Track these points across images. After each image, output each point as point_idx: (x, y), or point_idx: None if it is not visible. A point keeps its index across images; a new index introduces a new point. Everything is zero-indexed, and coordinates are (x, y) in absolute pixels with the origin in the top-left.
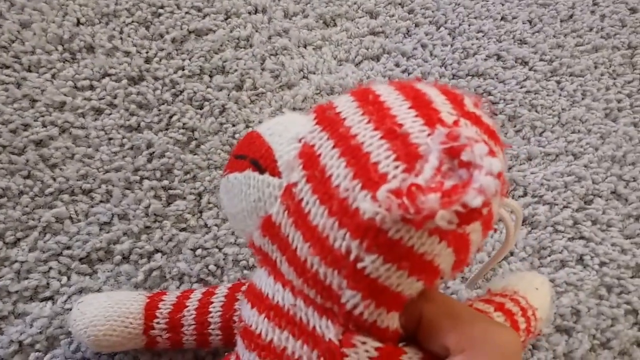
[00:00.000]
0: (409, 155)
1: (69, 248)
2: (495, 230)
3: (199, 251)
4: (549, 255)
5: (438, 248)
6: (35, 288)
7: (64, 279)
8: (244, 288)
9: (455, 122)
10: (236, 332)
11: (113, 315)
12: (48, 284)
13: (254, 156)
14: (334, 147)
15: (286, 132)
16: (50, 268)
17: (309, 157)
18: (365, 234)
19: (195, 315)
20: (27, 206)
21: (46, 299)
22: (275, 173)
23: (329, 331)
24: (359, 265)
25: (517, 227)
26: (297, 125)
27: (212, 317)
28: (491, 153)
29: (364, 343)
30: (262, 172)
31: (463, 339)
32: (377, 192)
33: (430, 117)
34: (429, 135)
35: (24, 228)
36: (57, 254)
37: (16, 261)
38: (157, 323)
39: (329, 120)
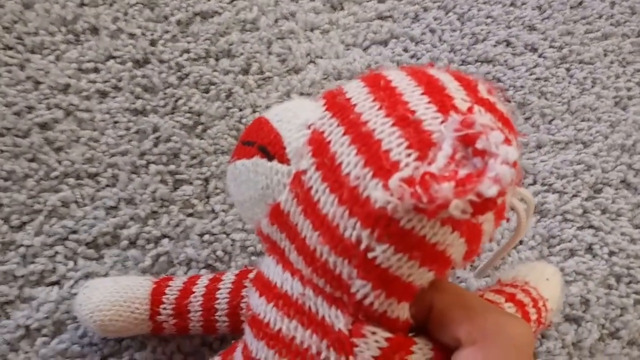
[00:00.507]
0: (422, 143)
1: (75, 232)
2: (508, 220)
3: (206, 237)
4: (558, 244)
5: (450, 238)
6: (41, 272)
7: (71, 263)
8: (251, 275)
9: (470, 109)
10: (244, 320)
11: (119, 300)
12: (54, 268)
13: (262, 142)
14: (344, 134)
15: (295, 118)
16: (57, 252)
17: (318, 144)
18: (376, 223)
19: (202, 302)
20: (32, 190)
21: (53, 284)
22: (284, 160)
23: (339, 321)
24: (370, 254)
25: (529, 217)
26: (306, 111)
27: (219, 304)
28: (507, 141)
29: (374, 333)
30: (270, 158)
31: (475, 331)
32: (389, 181)
33: (443, 103)
34: (442, 122)
35: (29, 212)
36: (63, 238)
37: (22, 245)
38: (164, 309)
39: (339, 106)
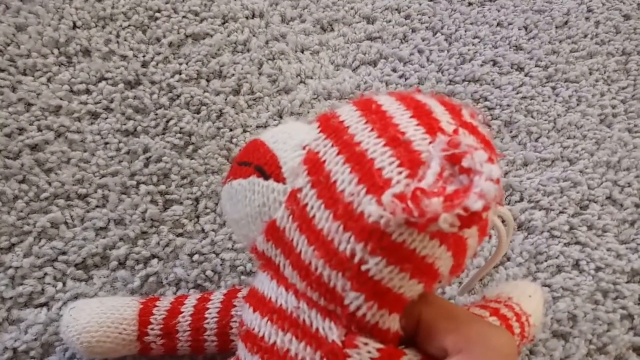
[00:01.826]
0: (412, 162)
1: (64, 253)
2: (490, 237)
3: (196, 257)
4: (546, 261)
5: (439, 251)
6: (30, 294)
7: (60, 284)
8: (240, 294)
9: (455, 131)
10: (236, 336)
11: (106, 322)
12: (43, 290)
13: (259, 163)
14: (338, 153)
15: (290, 139)
16: (46, 274)
17: (313, 164)
18: (369, 237)
19: (190, 322)
20: (22, 211)
21: (41, 305)
22: (280, 179)
23: (332, 332)
24: (363, 267)
25: (509, 234)
26: (301, 133)
27: (207, 324)
28: (490, 160)
29: (366, 344)
30: (266, 178)
31: (460, 340)
32: (382, 196)
33: (431, 125)
34: (430, 142)
35: (18, 233)
36: (52, 259)
37: (11, 267)
38: (152, 329)
39: (333, 128)
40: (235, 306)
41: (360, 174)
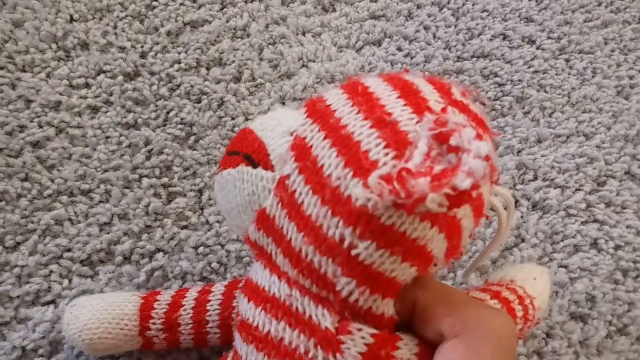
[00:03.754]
0: (399, 142)
1: (69, 250)
2: (488, 218)
3: (201, 249)
4: (562, 241)
5: (430, 233)
6: (36, 292)
7: (65, 282)
8: (241, 284)
9: (443, 110)
10: (234, 327)
11: (107, 318)
12: (49, 287)
13: (247, 151)
14: (325, 137)
15: (278, 126)
16: (51, 271)
17: (301, 149)
18: (358, 221)
19: (192, 314)
20: (25, 209)
21: (48, 303)
22: (268, 167)
23: (325, 319)
24: (353, 252)
25: (510, 215)
26: (289, 119)
27: (210, 316)
28: (479, 137)
29: (359, 330)
30: (255, 166)
31: (457, 324)
32: (368, 179)
33: (418, 105)
34: (417, 122)
35: (23, 232)
36: (57, 256)
37: (16, 265)
38: (153, 324)
39: (319, 112)
40: (236, 297)
41: (347, 157)
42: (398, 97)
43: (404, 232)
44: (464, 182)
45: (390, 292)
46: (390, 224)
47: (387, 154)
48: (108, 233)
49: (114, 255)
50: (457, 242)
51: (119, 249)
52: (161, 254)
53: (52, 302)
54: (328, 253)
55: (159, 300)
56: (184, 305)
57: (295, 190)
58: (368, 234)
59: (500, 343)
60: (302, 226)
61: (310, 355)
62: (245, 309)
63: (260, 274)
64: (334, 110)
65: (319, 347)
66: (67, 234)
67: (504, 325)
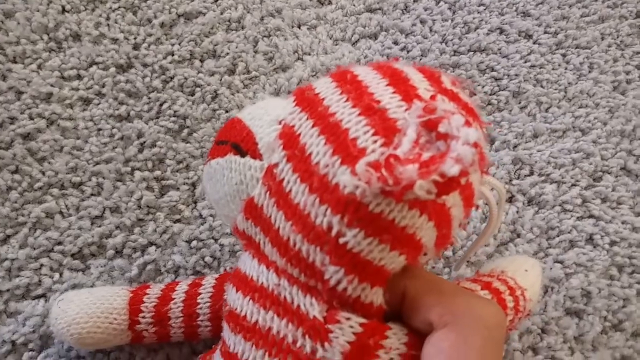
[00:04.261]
0: (387, 130)
1: (60, 244)
2: (477, 208)
3: (194, 243)
4: (558, 236)
5: (419, 222)
6: (27, 286)
7: (56, 275)
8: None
9: (432, 97)
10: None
11: (96, 312)
12: (40, 281)
13: (235, 140)
14: (313, 125)
15: (266, 115)
16: (42, 265)
17: (289, 138)
18: (346, 209)
19: (182, 308)
20: (16, 202)
21: (38, 297)
22: (257, 155)
23: (313, 308)
24: (341, 240)
25: (501, 205)
26: (277, 108)
27: (200, 309)
28: (467, 124)
29: (348, 319)
30: (243, 155)
31: (446, 313)
32: (356, 166)
33: (407, 93)
34: (406, 110)
35: (13, 224)
36: (48, 250)
37: (6, 259)
38: (143, 317)
39: (307, 100)
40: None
41: (335, 144)
42: (387, 85)
43: (392, 220)
44: (452, 169)
45: (379, 281)
46: (378, 211)
47: (375, 142)
48: (100, 226)
49: (106, 249)
50: (447, 231)
51: (111, 242)
52: (154, 247)
53: (43, 295)
54: (316, 241)
55: (148, 294)
56: (174, 298)
57: (283, 179)
58: (356, 222)
59: (490, 332)
60: (290, 215)
61: (298, 344)
62: (234, 298)
63: (248, 264)
64: (323, 99)
65: (307, 337)
66: (58, 227)
67: (494, 315)
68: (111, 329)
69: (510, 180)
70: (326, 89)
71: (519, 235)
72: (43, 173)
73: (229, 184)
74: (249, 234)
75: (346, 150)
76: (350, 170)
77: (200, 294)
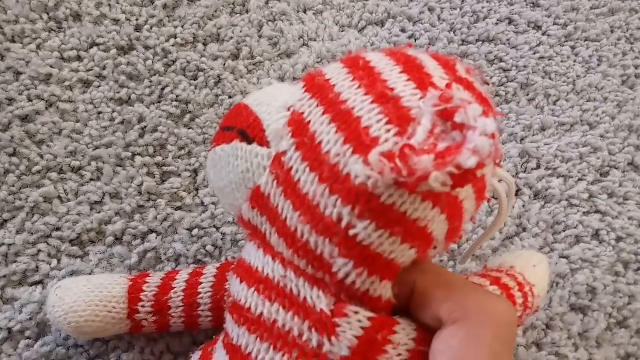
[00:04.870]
0: (401, 119)
1: (58, 229)
2: (489, 201)
3: (195, 231)
4: (564, 231)
5: (431, 214)
6: (24, 272)
7: (54, 262)
8: (233, 266)
9: (448, 86)
10: (225, 309)
11: (95, 300)
12: (37, 267)
13: (242, 127)
14: (324, 113)
15: (274, 101)
16: (40, 251)
17: (298, 125)
18: (357, 200)
19: (183, 297)
20: (13, 186)
21: (36, 284)
22: (264, 143)
23: (321, 301)
24: (351, 232)
25: (510, 199)
26: (286, 94)
27: (201, 298)
28: (485, 114)
29: (356, 313)
30: (250, 142)
31: (456, 310)
32: (369, 156)
33: (422, 81)
34: (421, 98)
35: (10, 209)
36: (46, 235)
37: (3, 244)
38: (142, 307)
39: (318, 87)
40: (228, 279)
41: (347, 133)
42: (401, 72)
43: (404, 212)
44: (469, 161)
45: (388, 275)
46: (390, 203)
47: (388, 131)
48: (99, 212)
49: (105, 236)
50: (458, 224)
51: (111, 229)
52: (154, 235)
53: (40, 282)
54: (325, 233)
55: (148, 283)
56: (174, 287)
57: (291, 168)
58: (367, 214)
59: (501, 330)
60: (299, 204)
61: (304, 338)
62: (238, 290)
63: (253, 255)
64: (334, 85)
65: (313, 330)
66: (56, 212)
67: (504, 312)
68: (110, 317)
69: (517, 174)
70: (337, 75)
71: (524, 230)
72: (42, 156)
73: (235, 171)
74: (254, 224)
75: (358, 139)
76: (363, 160)
77: (201, 283)
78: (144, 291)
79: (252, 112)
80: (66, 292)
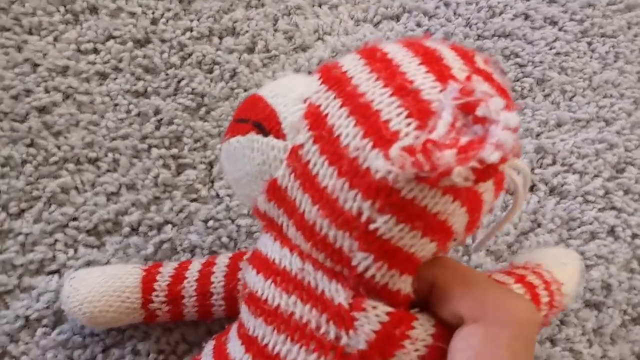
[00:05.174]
0: (422, 112)
1: (75, 219)
2: (506, 191)
3: (210, 223)
4: (579, 227)
5: (452, 207)
6: (41, 261)
7: (71, 251)
8: (245, 257)
9: (468, 78)
10: (240, 299)
11: (109, 290)
12: (54, 256)
13: (257, 119)
14: (342, 106)
15: (290, 93)
16: (56, 240)
17: (315, 118)
18: (377, 194)
19: (196, 287)
20: (30, 176)
21: (52, 272)
22: (280, 135)
23: (339, 295)
24: (371, 226)
25: (526, 188)
26: (301, 86)
27: (214, 288)
28: (507, 107)
29: (374, 307)
30: (265, 134)
31: (476, 307)
32: (389, 150)
33: (441, 73)
34: (441, 91)
35: (28, 199)
36: (63, 225)
37: (20, 233)
38: (156, 296)
39: (335, 79)
40: (241, 269)
41: (366, 126)
42: (420, 64)
43: (424, 206)
44: (492, 155)
45: (408, 269)
46: (411, 197)
47: (409, 124)
48: (115, 203)
49: (122, 226)
50: (477, 216)
51: (127, 219)
52: (170, 226)
53: (57, 271)
54: (344, 227)
55: (161, 273)
56: (187, 277)
57: (309, 161)
58: (388, 208)
59: (521, 329)
60: (317, 198)
61: (321, 331)
62: (254, 281)
63: (269, 246)
64: (351, 77)
65: (331, 323)
66: (73, 202)
67: (525, 311)
68: (124, 307)
69: (533, 169)
70: (354, 67)
71: (539, 225)
72: (58, 147)
73: (251, 164)
74: (270, 216)
75: (378, 132)
76: (383, 154)
77: (214, 272)
78: (157, 281)
79: (267, 104)
80: (80, 282)
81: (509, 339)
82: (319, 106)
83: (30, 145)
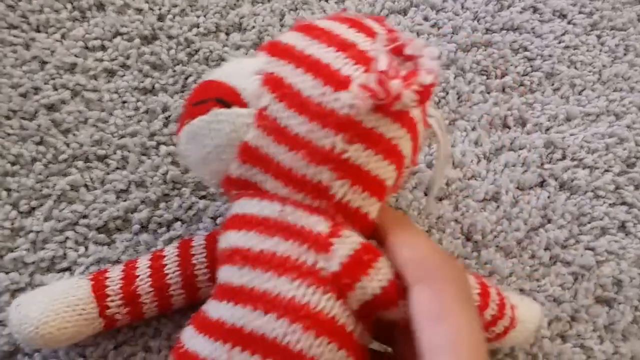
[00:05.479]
0: (364, 59)
1: (85, 217)
2: (430, 127)
3: (219, 219)
4: (589, 222)
5: (400, 133)
6: (52, 259)
7: (82, 249)
8: (195, 242)
9: (390, 31)
10: (204, 283)
11: (61, 307)
12: (65, 254)
13: (217, 95)
14: (295, 67)
15: (241, 69)
16: (67, 238)
17: (274, 82)
18: (346, 128)
19: (151, 282)
20: (40, 174)
21: (63, 270)
22: (242, 105)
23: (319, 224)
24: (344, 155)
25: (444, 131)
26: (250, 64)
27: (170, 279)
28: (426, 45)
29: (349, 236)
30: (228, 106)
31: (418, 270)
32: (350, 88)
33: (368, 30)
34: (372, 42)
35: (38, 197)
36: (73, 223)
37: (31, 231)
38: (112, 301)
39: (281, 49)
40: (194, 255)
41: (322, 77)
42: (349, 27)
43: (382, 133)
44: (427, 78)
45: (378, 192)
46: (371, 127)
47: (357, 69)
48: (125, 200)
49: (131, 224)
50: (417, 143)
51: (136, 217)
52: (179, 223)
53: (68, 269)
54: (322, 162)
55: (109, 277)
56: (138, 275)
57: (276, 117)
58: (355, 138)
59: (458, 287)
60: (292, 145)
61: (301, 259)
62: (235, 238)
63: (247, 205)
64: (295, 45)
65: (311, 250)
66: (83, 200)
67: (459, 270)
68: (82, 320)
69: (542, 165)
70: (295, 38)
71: (549, 221)
72: (68, 145)
73: (219, 135)
74: (245, 178)
75: (335, 79)
76: (344, 94)
77: (165, 265)
78: (108, 286)
79: (222, 82)
80: (29, 307)
81: (454, 292)
82: (274, 73)
83: (40, 143)
